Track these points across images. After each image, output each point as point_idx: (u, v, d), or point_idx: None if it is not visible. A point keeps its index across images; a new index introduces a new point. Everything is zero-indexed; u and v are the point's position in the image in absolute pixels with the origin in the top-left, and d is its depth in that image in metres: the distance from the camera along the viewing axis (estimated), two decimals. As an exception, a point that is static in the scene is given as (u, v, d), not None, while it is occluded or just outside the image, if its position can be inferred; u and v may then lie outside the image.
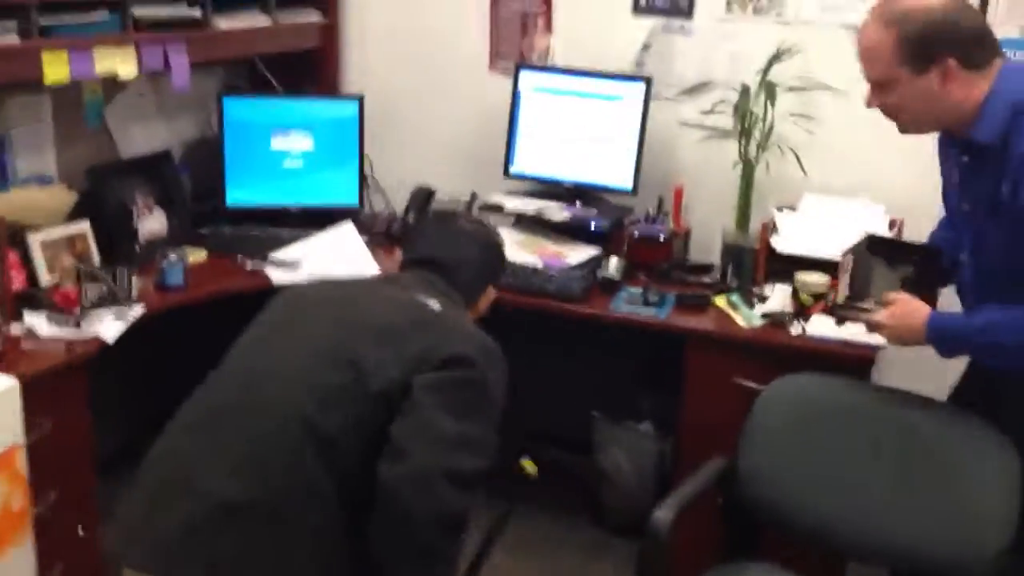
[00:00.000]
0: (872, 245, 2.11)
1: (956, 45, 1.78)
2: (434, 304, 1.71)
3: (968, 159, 1.90)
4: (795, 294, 2.48)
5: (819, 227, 2.62)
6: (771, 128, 2.75)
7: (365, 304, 1.69)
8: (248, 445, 1.53)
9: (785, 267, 2.60)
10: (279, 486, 1.49)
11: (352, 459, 1.51)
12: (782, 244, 2.65)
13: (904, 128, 1.92)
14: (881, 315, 1.98)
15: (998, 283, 1.89)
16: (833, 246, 2.43)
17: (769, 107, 2.73)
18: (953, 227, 2.06)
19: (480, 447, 1.56)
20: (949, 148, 1.98)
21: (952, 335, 1.91)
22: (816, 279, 2.44)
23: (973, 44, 1.80)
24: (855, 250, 2.11)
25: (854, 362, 2.34)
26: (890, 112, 1.89)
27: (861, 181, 2.76)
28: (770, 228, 2.69)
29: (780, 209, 2.77)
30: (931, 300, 2.01)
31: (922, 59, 1.79)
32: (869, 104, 1.90)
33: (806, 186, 2.78)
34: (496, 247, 2.00)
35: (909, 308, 1.95)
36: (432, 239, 1.91)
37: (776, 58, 2.72)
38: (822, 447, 2.05)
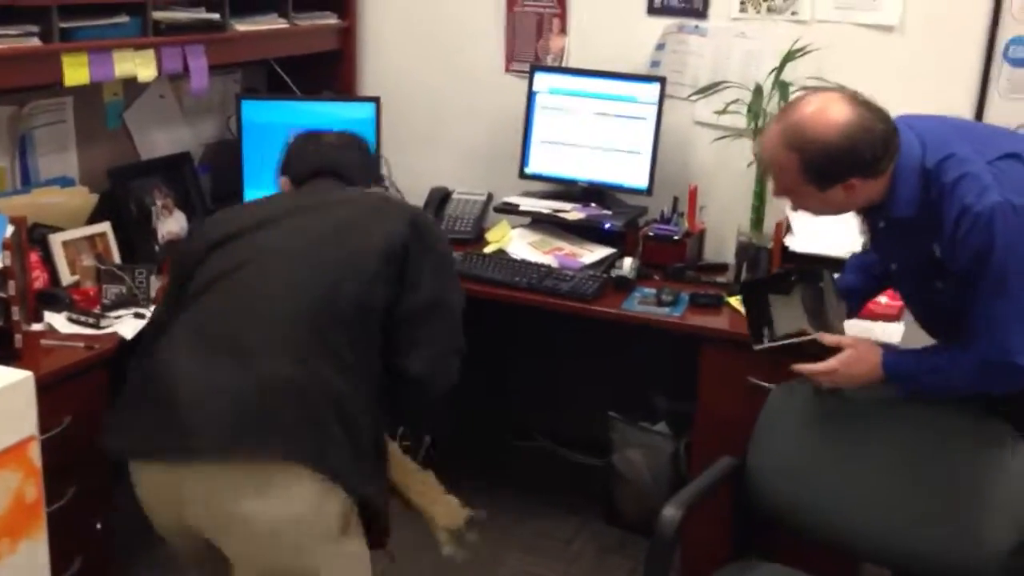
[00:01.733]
0: (750, 290, 2.19)
1: (857, 168, 1.78)
2: (372, 189, 2.01)
3: (884, 224, 1.92)
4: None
5: (833, 226, 2.61)
6: (786, 127, 2.75)
7: (328, 217, 1.91)
8: (271, 332, 1.74)
9: (800, 267, 2.60)
10: (310, 362, 1.72)
11: (363, 329, 1.79)
12: (796, 243, 2.65)
13: (812, 215, 2.00)
14: (832, 362, 1.96)
15: (952, 319, 1.90)
16: (847, 245, 2.43)
17: (782, 106, 2.72)
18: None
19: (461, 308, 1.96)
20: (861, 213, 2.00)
21: (907, 376, 1.93)
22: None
23: (874, 161, 1.79)
24: (745, 299, 2.18)
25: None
26: (796, 206, 1.95)
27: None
28: (784, 227, 2.69)
29: (795, 209, 2.76)
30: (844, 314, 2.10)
31: (826, 180, 1.80)
32: (774, 195, 1.95)
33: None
34: (367, 145, 2.17)
35: (859, 352, 1.95)
36: (310, 156, 2.05)
37: (790, 57, 2.72)
38: (833, 446, 2.04)
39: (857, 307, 2.24)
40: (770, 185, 1.96)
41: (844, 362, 1.95)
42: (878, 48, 2.78)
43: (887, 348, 1.99)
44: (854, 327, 2.28)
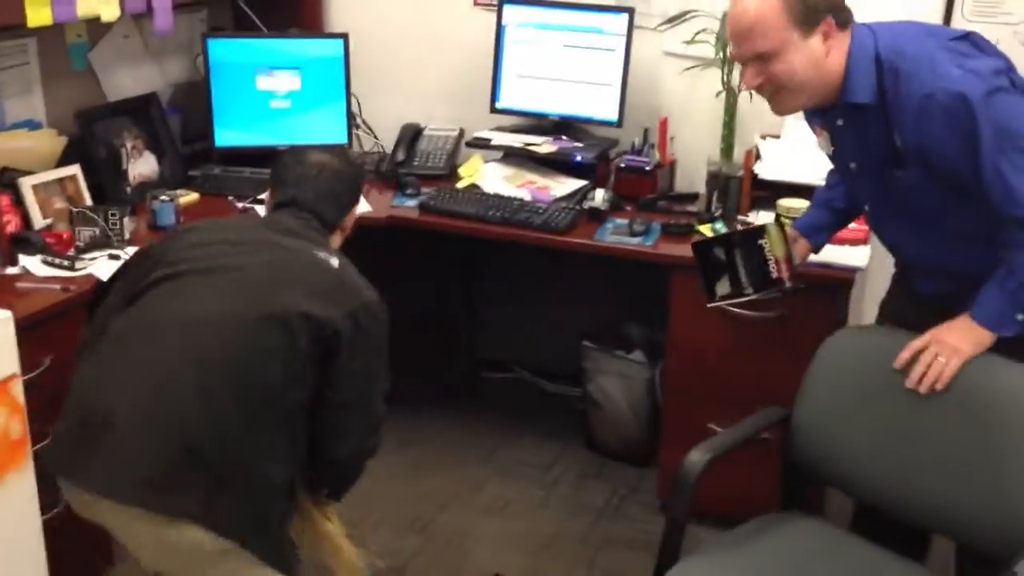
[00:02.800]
0: (698, 249, 2.31)
1: (830, 4, 1.84)
2: (333, 260, 1.93)
3: (842, 121, 1.95)
4: (778, 219, 2.51)
5: (802, 153, 2.65)
6: (754, 56, 2.76)
7: (277, 265, 1.90)
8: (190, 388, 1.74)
9: (769, 194, 2.65)
10: (225, 425, 1.74)
11: (289, 399, 1.80)
12: (765, 171, 2.68)
13: (781, 106, 1.95)
14: (925, 357, 1.86)
15: (911, 221, 1.95)
16: (815, 172, 2.47)
17: (751, 35, 2.73)
18: (843, 181, 2.15)
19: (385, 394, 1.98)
20: (814, 119, 2.05)
21: (999, 310, 1.83)
22: (798, 204, 2.48)
23: (841, 2, 1.87)
24: (702, 260, 2.29)
25: (834, 283, 2.40)
26: (773, 86, 1.89)
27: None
28: (754, 156, 2.72)
29: (764, 137, 2.80)
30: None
31: (807, 21, 1.83)
32: (749, 84, 1.92)
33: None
34: (349, 172, 2.14)
35: (939, 334, 1.86)
36: (291, 179, 2.06)
37: (758, -16, 2.71)
38: (881, 402, 1.93)
39: (824, 242, 2.28)
40: (747, 76, 1.91)
41: (933, 351, 1.85)
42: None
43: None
44: (823, 254, 2.33)
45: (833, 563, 1.92)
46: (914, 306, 2.07)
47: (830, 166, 2.18)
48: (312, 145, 2.22)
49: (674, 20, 2.87)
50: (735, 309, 2.42)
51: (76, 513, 1.86)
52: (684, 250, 2.57)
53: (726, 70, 2.79)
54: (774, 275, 2.19)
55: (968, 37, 1.86)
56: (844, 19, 1.87)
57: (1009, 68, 1.84)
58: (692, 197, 2.91)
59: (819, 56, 1.85)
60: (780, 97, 1.92)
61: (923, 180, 1.86)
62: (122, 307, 1.90)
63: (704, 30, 2.82)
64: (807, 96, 1.91)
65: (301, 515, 1.98)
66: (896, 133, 1.84)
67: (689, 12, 2.84)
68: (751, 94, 2.77)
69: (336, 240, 2.11)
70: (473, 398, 3.42)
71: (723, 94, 2.83)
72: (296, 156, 2.12)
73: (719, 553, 1.97)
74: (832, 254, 2.40)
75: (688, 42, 2.86)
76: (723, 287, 2.26)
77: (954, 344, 1.84)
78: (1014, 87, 1.81)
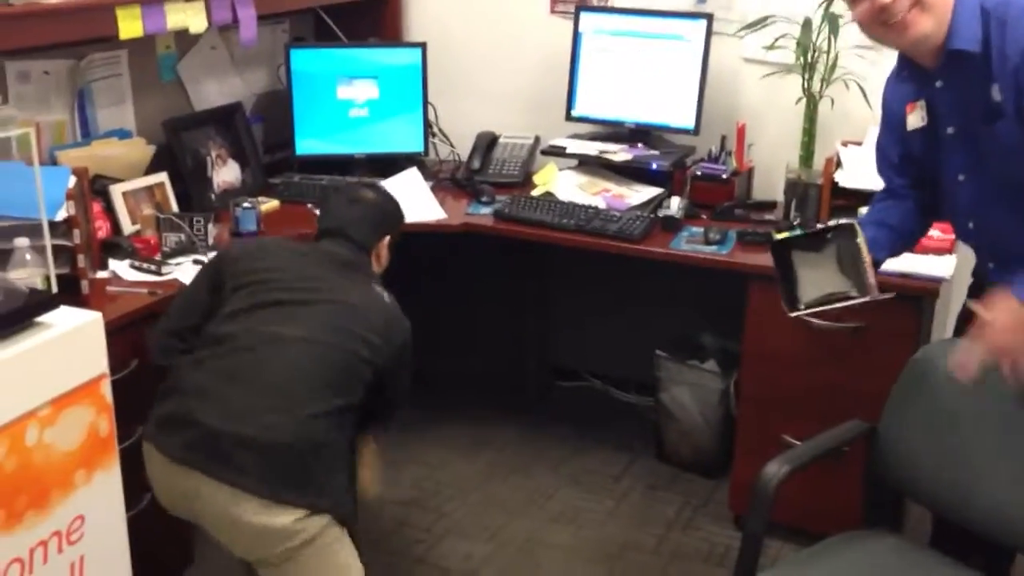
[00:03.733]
0: (776, 249, 2.07)
1: None
2: (385, 296, 2.17)
3: (942, 83, 1.89)
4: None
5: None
6: (835, 62, 2.72)
7: (352, 304, 2.12)
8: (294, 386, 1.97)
9: (850, 202, 2.59)
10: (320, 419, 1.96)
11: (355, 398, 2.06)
12: (846, 179, 2.63)
13: (912, 28, 1.81)
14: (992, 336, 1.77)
15: (1008, 195, 1.86)
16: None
17: (832, 40, 2.69)
18: (921, 176, 2.05)
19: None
20: (907, 93, 1.97)
21: None
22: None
23: None
24: (774, 258, 2.07)
25: (916, 293, 2.34)
26: (913, 9, 1.80)
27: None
28: (835, 163, 2.67)
29: (845, 144, 2.74)
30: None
31: None
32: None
33: (872, 120, 2.73)
34: (386, 205, 2.34)
35: (1000, 308, 1.76)
36: (334, 211, 2.29)
37: (840, -11, 2.67)
38: (972, 418, 1.87)
39: (880, 261, 2.13)
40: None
41: (1004, 330, 1.75)
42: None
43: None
44: (903, 261, 2.27)
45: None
46: None
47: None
48: (352, 182, 2.53)
49: (754, 26, 2.83)
50: (814, 320, 2.37)
51: (158, 486, 2.01)
52: (761, 259, 2.53)
53: (806, 76, 2.75)
54: (871, 279, 2.00)
55: None
56: None
57: None
58: (770, 205, 2.86)
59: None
60: (914, 14, 1.80)
61: (1022, 134, 1.79)
62: (223, 319, 2.08)
63: (784, 35, 2.78)
64: (935, 21, 1.82)
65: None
66: (996, 87, 1.79)
67: (769, 17, 2.80)
68: (832, 100, 2.75)
69: (375, 266, 2.29)
70: (545, 407, 3.42)
71: (803, 100, 2.78)
72: (336, 191, 2.44)
73: (797, 568, 1.93)
74: (915, 264, 2.34)
75: (768, 48, 2.82)
76: (811, 292, 2.03)
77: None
78: None
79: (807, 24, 2.72)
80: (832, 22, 2.66)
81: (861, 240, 1.98)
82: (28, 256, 2.04)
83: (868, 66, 2.72)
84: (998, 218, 1.94)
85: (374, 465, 2.31)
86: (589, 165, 3.03)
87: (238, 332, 2.03)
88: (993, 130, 1.83)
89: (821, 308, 2.03)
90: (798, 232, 2.13)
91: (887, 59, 2.71)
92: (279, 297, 2.08)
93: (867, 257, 1.99)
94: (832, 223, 2.08)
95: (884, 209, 2.14)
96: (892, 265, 2.28)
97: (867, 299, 1.99)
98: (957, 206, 2.00)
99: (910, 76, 1.97)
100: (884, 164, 2.14)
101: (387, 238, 2.30)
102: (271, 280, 2.11)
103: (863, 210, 2.46)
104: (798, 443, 2.17)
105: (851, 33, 2.68)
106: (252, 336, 2.02)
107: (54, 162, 2.52)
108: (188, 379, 2.00)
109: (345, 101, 3.14)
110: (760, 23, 2.82)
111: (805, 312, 2.05)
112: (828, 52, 2.71)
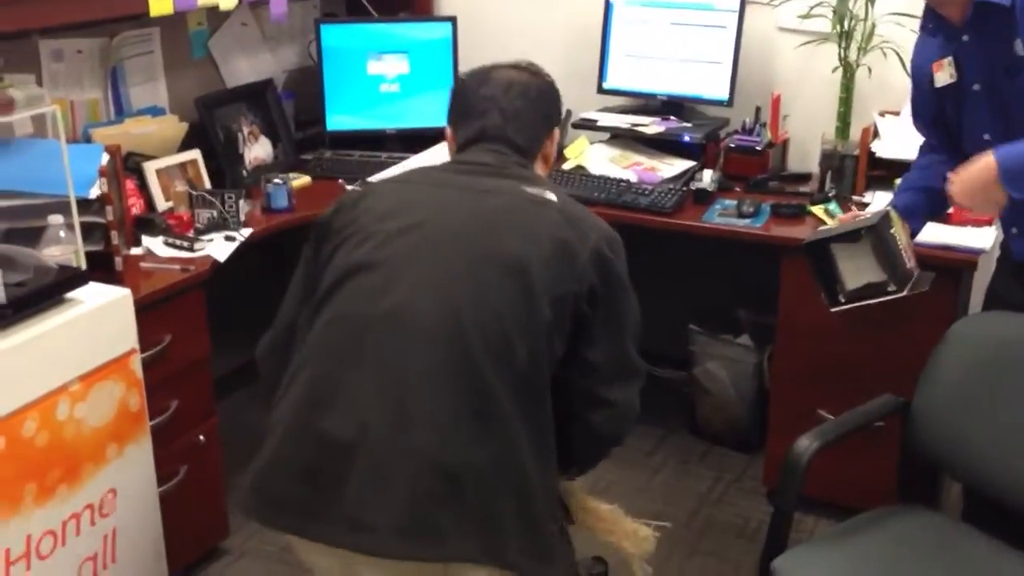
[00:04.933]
0: (811, 250, 2.09)
1: None
2: (549, 195, 1.60)
3: (968, 37, 1.89)
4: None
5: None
6: (873, 30, 2.65)
7: (495, 229, 1.56)
8: (437, 393, 1.46)
9: (887, 173, 2.54)
10: (484, 434, 1.47)
11: (536, 381, 1.52)
12: (884, 149, 2.58)
13: None
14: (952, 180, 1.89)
15: None
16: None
17: (870, 8, 2.62)
18: (951, 137, 2.06)
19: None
20: (934, 45, 1.98)
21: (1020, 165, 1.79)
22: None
23: None
24: (809, 259, 2.10)
25: (956, 265, 2.29)
26: None
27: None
28: (871, 133, 2.62)
29: (882, 114, 2.68)
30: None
31: None
32: None
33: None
34: (545, 90, 1.77)
35: (971, 166, 1.85)
36: (475, 108, 1.71)
37: (877, -46, 2.61)
38: (1010, 391, 1.85)
39: (919, 227, 2.18)
40: None
41: (958, 178, 1.87)
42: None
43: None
44: (942, 233, 2.23)
45: (951, 555, 1.85)
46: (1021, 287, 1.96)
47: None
48: (494, 64, 1.79)
49: (788, -6, 2.78)
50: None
51: (299, 558, 1.60)
52: (795, 231, 2.50)
53: (843, 45, 2.69)
54: (908, 264, 2.03)
55: None
56: None
57: None
58: (805, 177, 2.82)
59: None
60: None
61: None
62: (316, 305, 1.59)
63: (821, 3, 2.72)
64: None
65: (565, 497, 1.82)
66: (1020, 42, 1.79)
67: (804, -15, 2.74)
68: (869, 69, 2.69)
69: (540, 170, 1.75)
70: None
71: (839, 70, 2.72)
72: (477, 79, 1.74)
73: (828, 543, 1.92)
74: (954, 235, 2.30)
75: (803, 16, 2.76)
76: (850, 283, 2.06)
77: (972, 186, 1.82)
78: None
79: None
80: (869, -12, 2.60)
81: (896, 229, 1.99)
82: (62, 233, 2.06)
83: (907, 34, 2.64)
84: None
85: (613, 519, 1.88)
86: (621, 138, 3.00)
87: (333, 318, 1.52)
88: (1015, 84, 1.82)
89: (861, 302, 2.06)
90: (829, 234, 2.15)
91: (927, 25, 2.66)
92: (367, 259, 1.54)
93: (905, 243, 2.00)
94: (864, 221, 2.07)
95: (924, 168, 2.15)
96: (931, 237, 2.23)
97: (905, 294, 2.03)
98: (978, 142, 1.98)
99: (936, 29, 1.97)
100: (919, 122, 2.16)
101: (555, 130, 1.77)
102: (366, 240, 1.57)
103: (899, 181, 2.42)
104: (832, 418, 2.15)
105: (890, 0, 2.64)
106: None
107: (88, 140, 2.54)
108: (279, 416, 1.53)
109: (376, 76, 3.14)
110: (796, -10, 2.76)
111: (845, 307, 2.09)
112: (865, 20, 2.65)
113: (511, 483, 1.48)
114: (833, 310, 2.11)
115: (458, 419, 1.45)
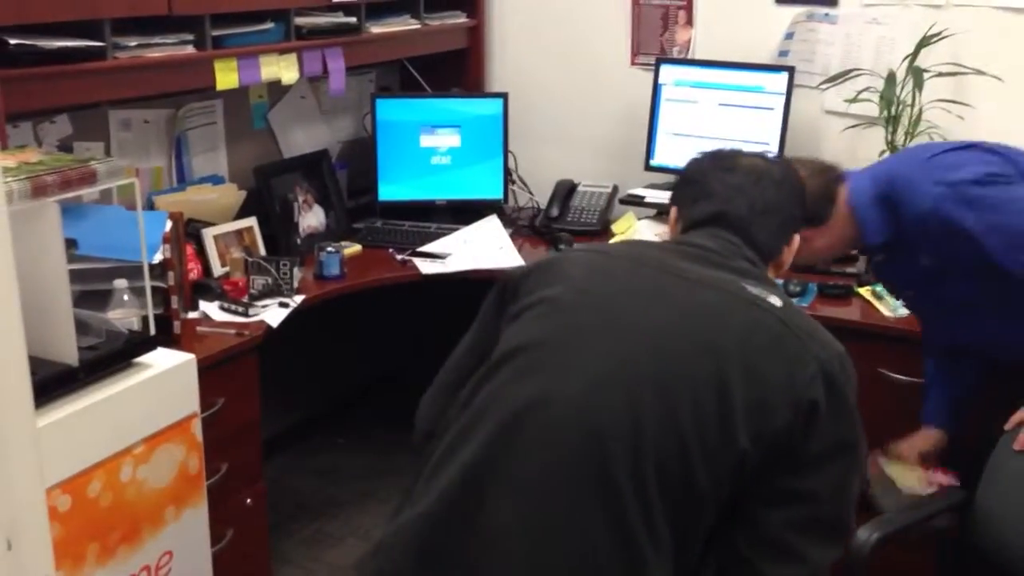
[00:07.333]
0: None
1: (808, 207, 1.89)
2: (773, 299, 1.34)
3: (882, 257, 2.07)
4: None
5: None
6: (919, 115, 2.69)
7: (694, 317, 1.33)
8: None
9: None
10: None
11: (706, 515, 1.28)
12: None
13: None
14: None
15: (1000, 309, 1.94)
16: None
17: (917, 94, 2.67)
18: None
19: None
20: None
21: None
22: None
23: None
24: None
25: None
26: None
27: (1017, 167, 2.66)
28: (918, 217, 2.64)
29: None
30: None
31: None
32: None
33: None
34: (800, 189, 1.55)
35: None
36: (716, 189, 1.49)
37: (925, 43, 2.66)
38: None
39: (958, 417, 2.17)
40: None
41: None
42: (1018, 32, 2.68)
43: None
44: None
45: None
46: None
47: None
48: (737, 149, 1.61)
49: (836, 79, 2.82)
50: (893, 375, 2.34)
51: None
52: (843, 312, 2.51)
53: (890, 129, 2.73)
54: (928, 490, 2.05)
55: (974, 146, 1.93)
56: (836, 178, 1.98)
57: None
58: (851, 258, 2.83)
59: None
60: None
61: (962, 281, 1.90)
62: (486, 371, 1.38)
63: (868, 88, 2.77)
64: (826, 240, 2.00)
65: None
66: (922, 255, 1.93)
67: (852, 70, 2.80)
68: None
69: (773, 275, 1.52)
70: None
71: (886, 153, 2.75)
72: (720, 161, 1.55)
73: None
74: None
75: (850, 100, 2.81)
76: (888, 503, 2.04)
77: None
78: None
79: (891, 77, 2.71)
80: (917, 75, 2.65)
81: (892, 470, 2.11)
82: (126, 297, 2.12)
83: (953, 120, 2.69)
84: (994, 329, 1.99)
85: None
86: (667, 215, 3.03)
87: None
88: (941, 287, 1.96)
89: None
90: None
91: (973, 113, 2.71)
92: (538, 337, 1.34)
93: (908, 486, 2.09)
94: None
95: (941, 383, 2.21)
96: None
97: (932, 491, 2.07)
98: (980, 337, 2.05)
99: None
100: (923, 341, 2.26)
101: (796, 237, 1.54)
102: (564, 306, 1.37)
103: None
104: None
105: (936, 86, 2.68)
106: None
107: (152, 207, 2.62)
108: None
109: (428, 149, 3.22)
110: (843, 76, 2.81)
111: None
112: (912, 105, 2.69)
113: None
114: None
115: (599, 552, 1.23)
